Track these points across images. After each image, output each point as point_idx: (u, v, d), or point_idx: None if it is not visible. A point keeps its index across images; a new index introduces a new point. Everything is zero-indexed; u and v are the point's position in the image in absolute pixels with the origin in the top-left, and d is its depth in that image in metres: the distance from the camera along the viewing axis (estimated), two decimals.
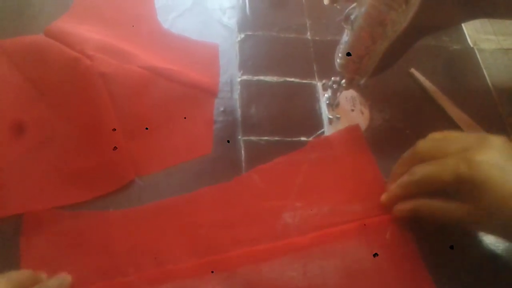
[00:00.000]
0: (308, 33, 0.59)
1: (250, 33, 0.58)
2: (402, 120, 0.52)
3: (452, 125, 0.52)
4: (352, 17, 0.41)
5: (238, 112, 0.50)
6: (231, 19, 0.59)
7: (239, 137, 0.48)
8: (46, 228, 0.39)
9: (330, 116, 0.50)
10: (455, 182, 0.35)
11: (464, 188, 0.35)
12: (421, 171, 0.38)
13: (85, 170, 0.43)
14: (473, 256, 0.42)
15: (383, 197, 0.42)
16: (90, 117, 0.44)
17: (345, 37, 0.43)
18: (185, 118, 0.48)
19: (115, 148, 0.43)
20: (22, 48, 0.50)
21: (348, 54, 0.42)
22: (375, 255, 0.40)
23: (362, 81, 0.45)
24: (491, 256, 0.42)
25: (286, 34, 0.59)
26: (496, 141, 0.36)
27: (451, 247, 0.41)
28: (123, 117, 0.44)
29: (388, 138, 0.50)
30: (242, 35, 0.58)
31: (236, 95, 0.51)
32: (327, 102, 0.51)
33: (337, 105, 0.51)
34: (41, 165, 0.43)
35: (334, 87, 0.49)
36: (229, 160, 0.46)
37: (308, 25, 0.60)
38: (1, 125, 0.45)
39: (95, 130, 0.44)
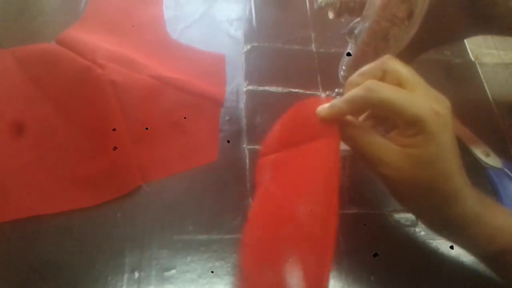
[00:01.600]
0: (313, 45, 0.61)
1: (256, 44, 0.59)
2: None
3: None
4: (356, 31, 0.42)
5: (243, 121, 0.51)
6: (237, 31, 0.61)
7: (244, 145, 0.49)
8: None
9: None
10: (412, 121, 0.32)
11: (416, 130, 0.32)
12: (384, 92, 0.32)
13: (93, 175, 0.44)
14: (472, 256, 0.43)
15: (324, 110, 0.36)
16: (98, 124, 0.45)
17: (349, 50, 0.44)
18: (188, 123, 0.49)
19: (115, 148, 0.44)
20: (33, 55, 0.51)
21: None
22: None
23: None
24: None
25: (291, 46, 0.60)
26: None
27: (451, 247, 0.42)
28: (131, 124, 0.46)
29: None
30: (248, 46, 0.59)
31: (242, 104, 0.53)
32: None
33: None
34: (48, 171, 0.44)
35: (338, 98, 0.50)
36: (234, 168, 0.47)
37: (312, 37, 0.61)
38: (10, 131, 0.46)
39: (102, 137, 0.45)
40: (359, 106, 0.34)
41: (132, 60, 0.50)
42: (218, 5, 0.63)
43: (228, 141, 0.48)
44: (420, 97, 0.33)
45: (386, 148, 0.34)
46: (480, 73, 0.61)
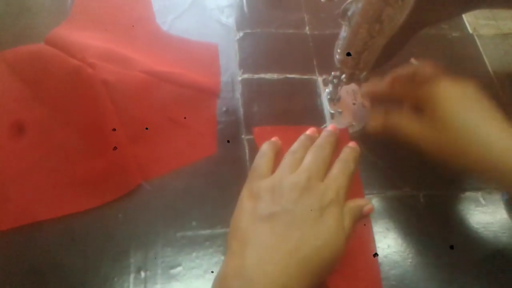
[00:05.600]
0: (307, 28, 0.59)
1: (248, 31, 0.58)
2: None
3: None
4: (349, 13, 0.41)
5: (241, 111, 0.50)
6: (229, 18, 0.59)
7: (243, 136, 0.48)
8: None
9: (332, 111, 0.50)
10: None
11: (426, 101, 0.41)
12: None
13: (92, 177, 0.43)
14: (472, 256, 0.43)
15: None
16: (94, 125, 0.44)
17: (343, 33, 0.43)
18: (185, 118, 0.48)
19: (115, 148, 0.44)
20: (23, 57, 0.50)
21: (348, 54, 0.42)
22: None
23: (363, 76, 0.45)
24: (490, 256, 0.43)
25: (284, 30, 0.59)
26: None
27: (451, 247, 0.42)
28: (127, 122, 0.45)
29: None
30: (241, 34, 0.58)
31: (238, 94, 0.52)
32: (328, 97, 0.51)
33: (339, 99, 0.51)
34: (48, 174, 0.44)
35: (335, 81, 0.49)
36: (234, 159, 0.47)
37: (306, 19, 0.60)
38: (7, 135, 0.45)
39: (99, 137, 0.44)
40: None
41: (123, 56, 0.49)
42: None
43: (228, 141, 0.48)
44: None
45: (414, 125, 0.42)
46: (479, 45, 0.60)
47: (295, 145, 0.44)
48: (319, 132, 0.46)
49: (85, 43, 0.49)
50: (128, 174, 0.44)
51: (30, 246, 0.40)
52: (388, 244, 0.43)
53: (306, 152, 0.43)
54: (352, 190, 0.43)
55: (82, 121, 0.45)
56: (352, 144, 0.45)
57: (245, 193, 0.40)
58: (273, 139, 0.46)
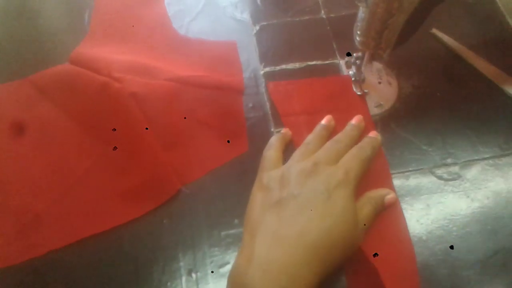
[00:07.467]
0: (322, 12, 0.59)
1: (264, 23, 0.58)
2: (431, 83, 0.51)
3: (481, 79, 0.51)
4: None
5: (267, 105, 0.51)
6: (243, 13, 0.59)
7: (272, 129, 0.49)
8: None
9: (359, 93, 0.50)
10: None
11: None
12: None
13: (133, 188, 0.45)
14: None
15: None
16: (128, 137, 0.46)
17: (361, 14, 0.43)
18: (213, 119, 0.49)
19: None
20: (50, 79, 0.52)
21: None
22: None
23: (385, 54, 0.44)
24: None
25: (300, 17, 0.58)
26: None
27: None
28: (159, 131, 0.46)
29: (421, 105, 0.50)
30: (257, 27, 0.58)
31: (262, 88, 0.52)
32: (353, 79, 0.51)
33: (363, 80, 0.51)
34: (89, 191, 0.45)
35: (357, 63, 0.49)
36: None
37: (320, 3, 0.60)
38: (44, 160, 0.47)
39: (134, 149, 0.46)
40: None
41: (146, 66, 0.50)
42: None
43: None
44: None
45: None
46: (500, 6, 0.58)
47: (310, 136, 0.44)
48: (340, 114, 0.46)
49: (109, 58, 0.50)
50: (167, 181, 0.45)
51: (81, 261, 0.42)
52: (431, 219, 0.43)
53: (321, 142, 0.43)
54: (379, 180, 0.43)
55: (116, 135, 0.46)
56: (372, 133, 0.45)
57: (256, 185, 0.41)
58: (283, 130, 0.47)
